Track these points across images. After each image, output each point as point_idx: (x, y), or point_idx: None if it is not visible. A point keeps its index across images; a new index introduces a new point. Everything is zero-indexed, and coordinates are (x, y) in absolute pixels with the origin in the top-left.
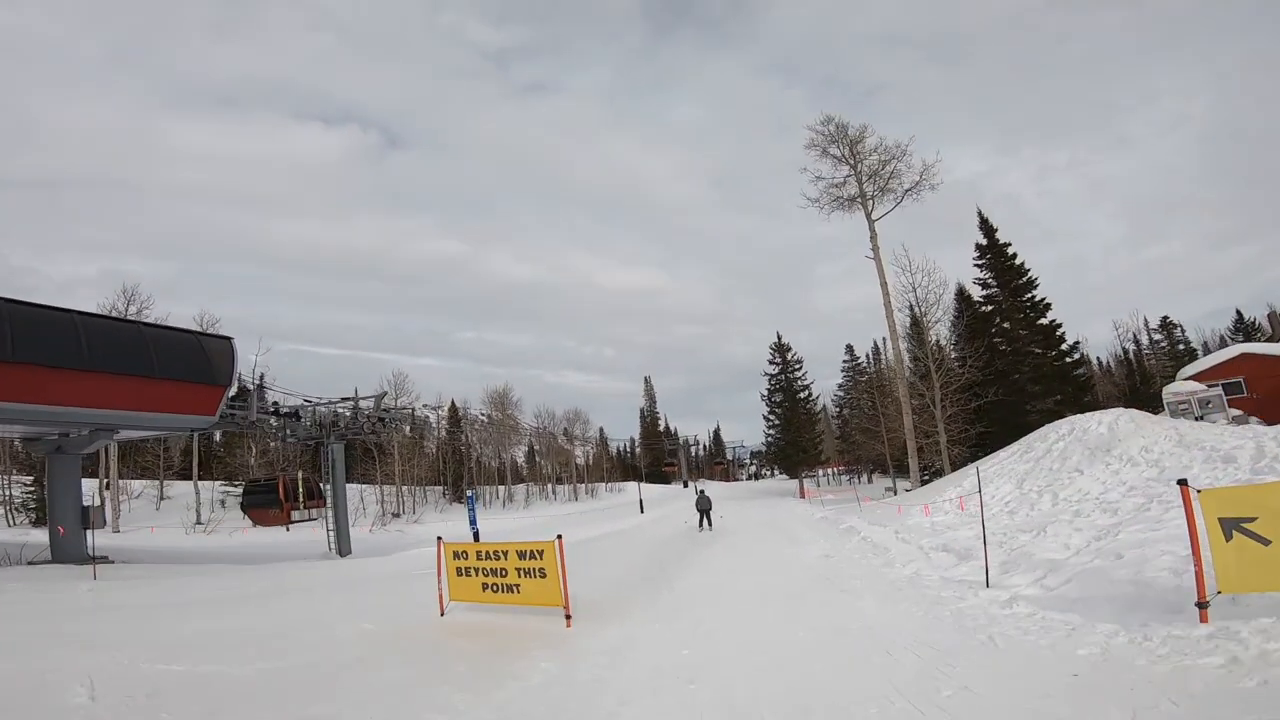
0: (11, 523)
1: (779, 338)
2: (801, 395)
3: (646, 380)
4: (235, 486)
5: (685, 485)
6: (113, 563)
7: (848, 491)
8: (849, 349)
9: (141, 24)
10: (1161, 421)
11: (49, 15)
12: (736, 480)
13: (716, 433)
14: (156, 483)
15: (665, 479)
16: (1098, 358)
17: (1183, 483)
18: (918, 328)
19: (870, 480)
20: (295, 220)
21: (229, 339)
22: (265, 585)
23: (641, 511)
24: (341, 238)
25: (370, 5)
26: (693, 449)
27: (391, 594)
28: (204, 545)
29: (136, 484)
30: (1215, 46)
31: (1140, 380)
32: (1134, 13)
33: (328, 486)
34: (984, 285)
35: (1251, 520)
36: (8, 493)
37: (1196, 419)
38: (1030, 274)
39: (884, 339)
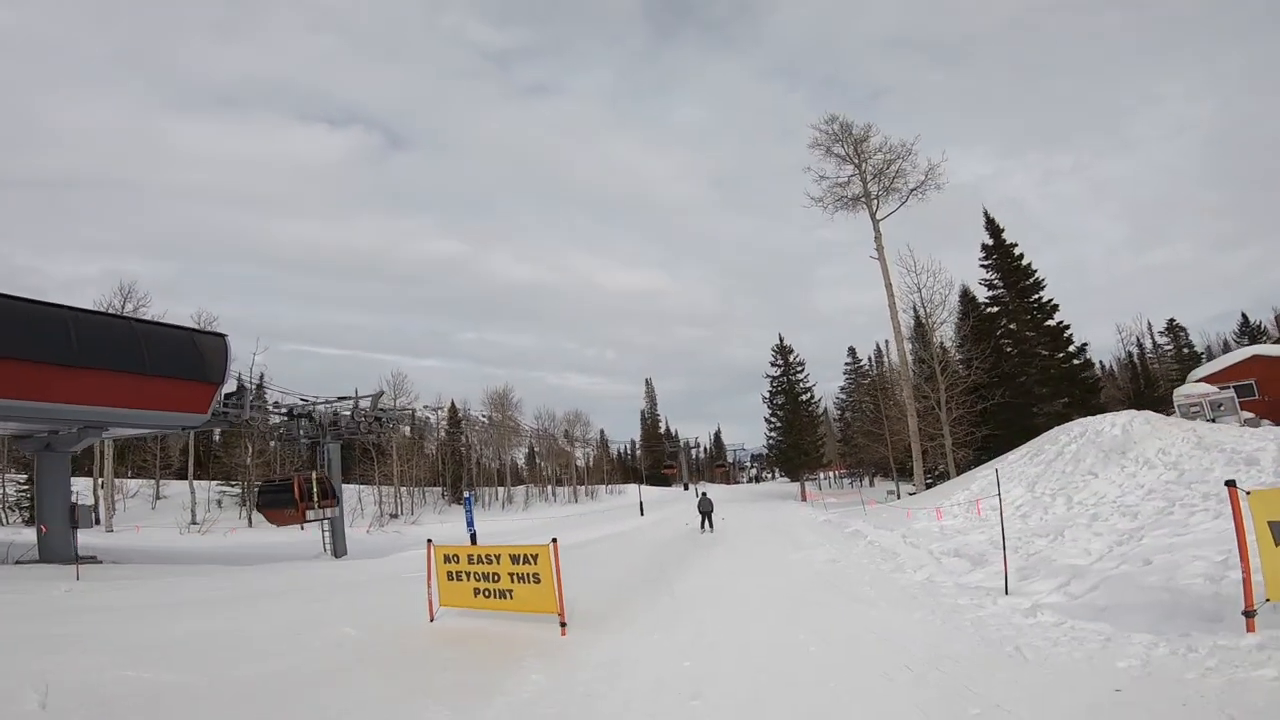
0: (4, 521)
1: (781, 339)
2: (804, 397)
3: (648, 382)
4: (232, 486)
5: (686, 488)
6: (101, 563)
7: (850, 495)
8: (851, 351)
9: (144, 24)
10: (1178, 423)
11: (51, 15)
12: (737, 483)
13: (717, 435)
14: (152, 482)
15: (666, 481)
16: (1100, 361)
17: (1230, 484)
18: (922, 329)
19: (872, 484)
20: (296, 220)
21: (223, 336)
22: (253, 587)
23: (642, 514)
24: (343, 238)
25: (372, 6)
26: (693, 451)
27: (381, 597)
28: (198, 545)
29: (133, 483)
30: (1219, 50)
31: (1145, 384)
32: (1136, 15)
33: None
34: (990, 286)
35: None
36: (2, 490)
37: (1208, 421)
38: (1037, 275)
39: (887, 341)
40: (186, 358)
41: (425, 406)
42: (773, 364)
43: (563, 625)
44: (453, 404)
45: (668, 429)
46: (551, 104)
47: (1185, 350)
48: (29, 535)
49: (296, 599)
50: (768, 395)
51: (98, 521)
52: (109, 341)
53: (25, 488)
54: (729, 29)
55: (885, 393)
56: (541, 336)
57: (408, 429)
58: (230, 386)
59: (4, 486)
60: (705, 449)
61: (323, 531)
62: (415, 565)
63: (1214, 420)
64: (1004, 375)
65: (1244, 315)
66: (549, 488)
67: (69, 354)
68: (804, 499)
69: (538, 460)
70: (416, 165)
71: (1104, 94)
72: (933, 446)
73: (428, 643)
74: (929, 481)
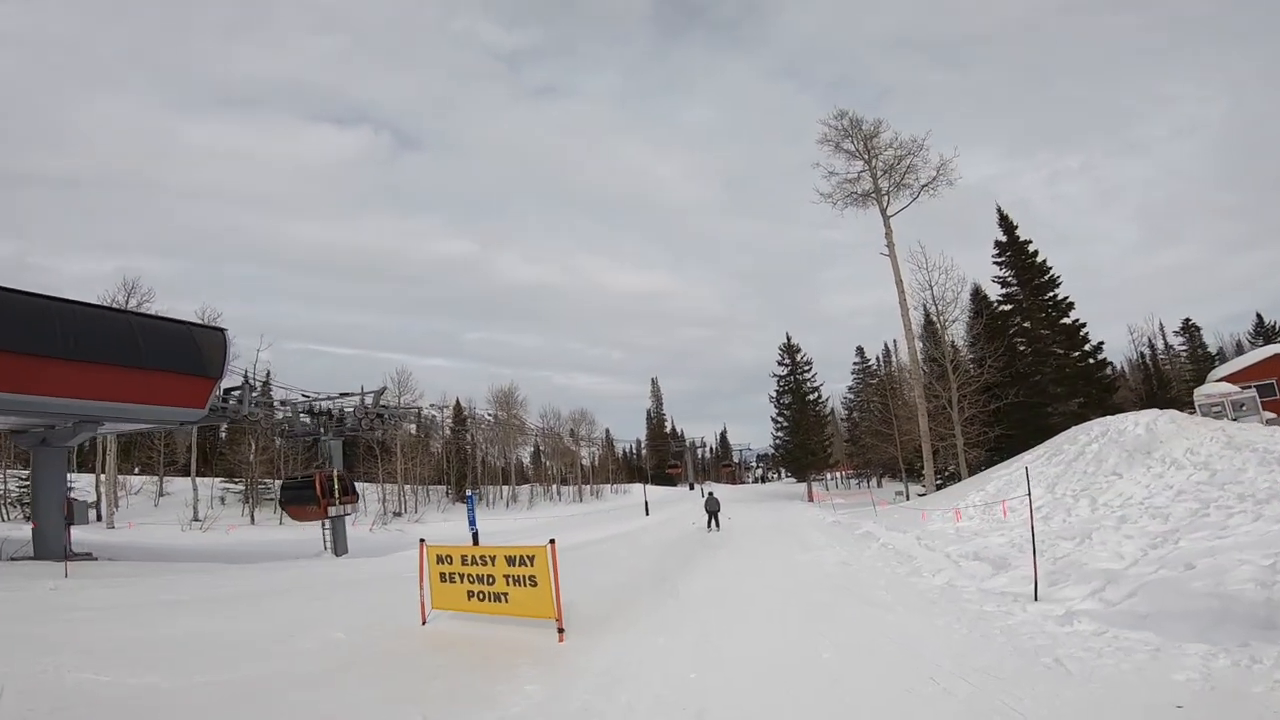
0: (5, 518)
1: (788, 338)
2: (811, 397)
3: (653, 382)
4: (236, 484)
5: (691, 488)
6: (96, 560)
7: (857, 495)
8: (859, 350)
9: (154, 24)
10: (1205, 422)
11: (63, 15)
12: (743, 483)
13: (723, 435)
14: (156, 479)
15: (671, 481)
16: (1111, 363)
17: None
18: (933, 327)
19: (879, 484)
20: (306, 221)
21: (222, 330)
22: (247, 586)
23: (647, 514)
24: (351, 238)
25: (383, 7)
26: (699, 451)
27: (376, 598)
28: (199, 543)
29: (136, 479)
30: (1230, 50)
31: (1158, 385)
32: (1146, 17)
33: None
34: (1003, 284)
35: None
36: (3, 486)
37: (1231, 421)
38: (1052, 272)
39: (895, 341)
40: (184, 352)
41: (431, 405)
42: (779, 363)
43: (560, 631)
44: (458, 402)
45: (674, 429)
46: (560, 105)
47: (1200, 351)
48: (28, 531)
49: (290, 599)
50: (774, 395)
51: (100, 518)
52: (105, 335)
53: (27, 483)
54: (737, 30)
55: (894, 392)
56: (548, 336)
57: (413, 427)
58: (230, 381)
59: (5, 482)
60: (711, 449)
61: (324, 530)
62: (415, 565)
63: (1236, 420)
64: (1017, 374)
65: (1259, 316)
66: (554, 487)
67: (63, 347)
68: (811, 499)
69: (543, 459)
70: (425, 166)
71: (1113, 95)
72: (944, 447)
73: (419, 647)
74: (939, 482)
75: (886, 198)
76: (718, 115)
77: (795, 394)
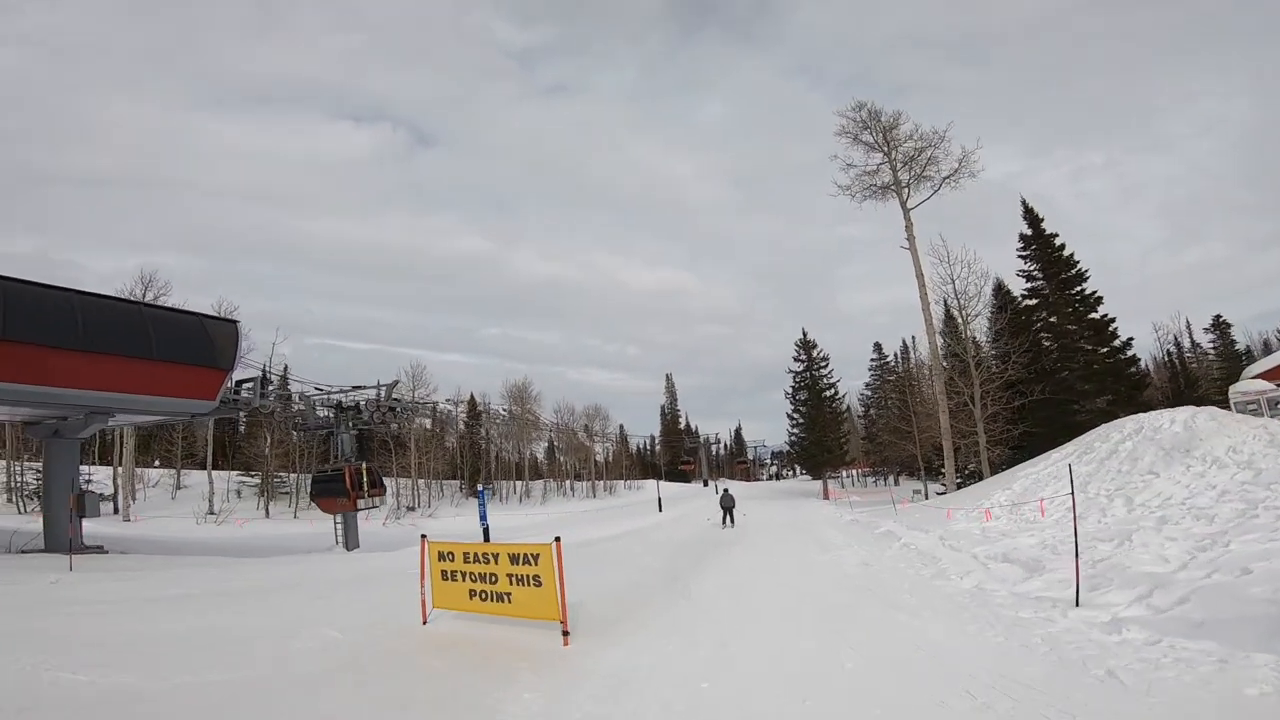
0: (22, 510)
1: (804, 334)
2: (827, 394)
3: (668, 378)
4: (252, 477)
5: (705, 484)
6: (107, 553)
7: (875, 494)
8: (877, 347)
9: (177, 25)
10: (1246, 420)
11: (88, 16)
12: (757, 480)
13: (738, 432)
14: (174, 471)
15: (685, 478)
16: (1140, 359)
17: None
18: (954, 322)
19: (897, 482)
20: (327, 218)
21: (234, 322)
22: (253, 581)
23: (660, 510)
24: (371, 235)
25: (398, 5)
26: (714, 447)
27: (380, 595)
28: (212, 536)
29: (154, 472)
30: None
31: (1185, 383)
32: (1168, 14)
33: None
34: (1029, 277)
35: None
36: (20, 479)
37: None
38: (1080, 266)
39: (913, 337)
40: (196, 343)
41: (447, 400)
42: (795, 359)
43: (565, 634)
44: (472, 397)
45: (688, 425)
46: (574, 103)
47: (1230, 348)
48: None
49: (293, 595)
50: (790, 391)
51: (116, 510)
52: (116, 326)
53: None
54: (750, 27)
55: (913, 389)
56: (564, 332)
57: (428, 421)
58: (243, 374)
59: (22, 474)
60: (726, 445)
61: (335, 524)
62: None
63: (1274, 418)
64: (1043, 370)
65: None
66: (567, 482)
67: (74, 337)
68: (827, 497)
69: (557, 455)
70: (442, 163)
71: (1136, 92)
72: (965, 444)
73: (417, 649)
74: (959, 481)
75: (907, 190)
76: (731, 113)
77: (811, 390)
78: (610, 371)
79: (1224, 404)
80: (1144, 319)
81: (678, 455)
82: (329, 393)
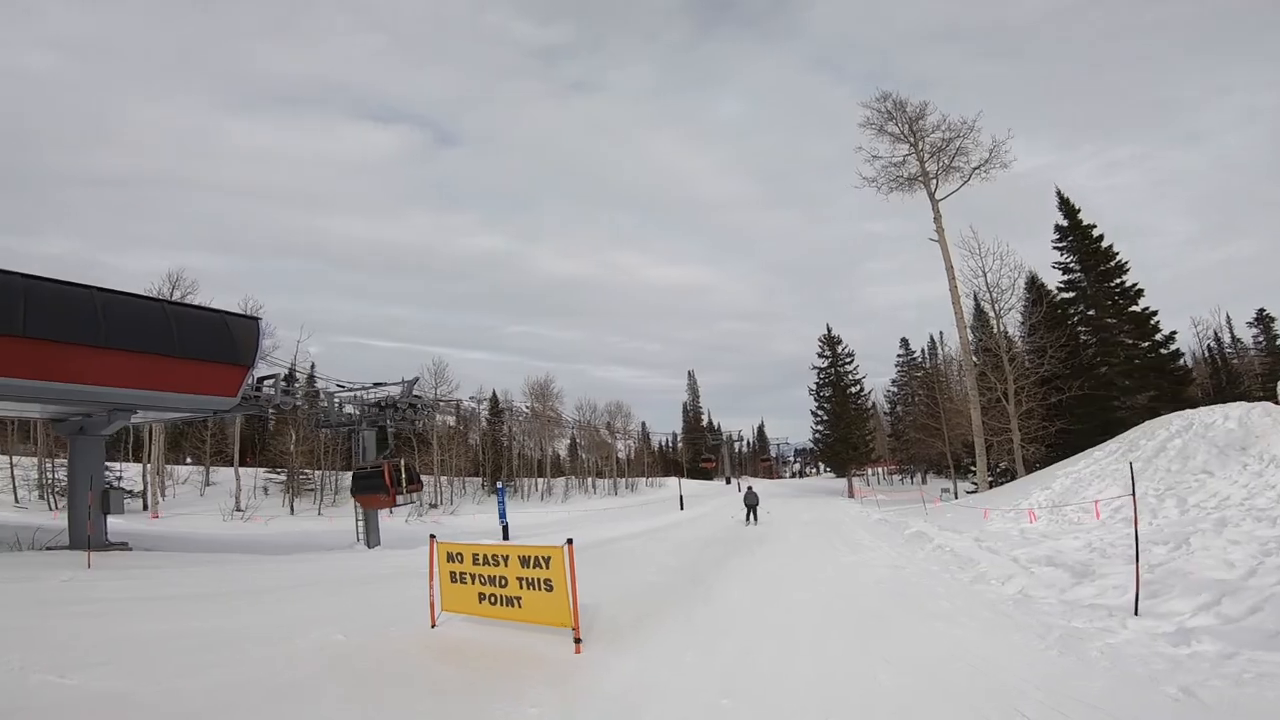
0: (53, 506)
1: (828, 329)
2: (852, 390)
3: (690, 374)
4: (278, 474)
5: (728, 481)
6: (130, 550)
7: (901, 492)
8: (903, 342)
9: (203, 29)
10: None
11: (117, 20)
12: (780, 478)
13: (760, 429)
14: (202, 468)
15: (707, 475)
16: (1184, 353)
17: None
18: (985, 316)
19: (924, 480)
20: (354, 217)
21: (256, 319)
22: (269, 580)
23: (681, 508)
24: (397, 234)
25: (417, 6)
26: (736, 445)
27: (393, 595)
28: (238, 533)
29: (183, 469)
30: None
31: (1226, 379)
32: (1197, 6)
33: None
34: (1065, 269)
35: None
36: (52, 476)
37: None
38: (1119, 257)
39: (941, 333)
40: (217, 340)
41: (471, 398)
42: (820, 355)
43: (577, 641)
44: (494, 394)
45: (710, 422)
46: (594, 100)
47: (1276, 343)
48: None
49: (306, 594)
50: (814, 387)
51: (145, 507)
52: (138, 322)
53: None
54: (768, 23)
55: (941, 385)
56: (586, 330)
57: (451, 419)
58: (269, 371)
59: (54, 471)
60: (748, 442)
61: (357, 521)
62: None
63: None
64: (1080, 366)
65: None
66: (589, 480)
67: (96, 334)
68: (852, 495)
69: (579, 452)
70: (464, 162)
71: (1166, 85)
72: (998, 442)
73: (420, 655)
74: (992, 479)
75: (934, 181)
76: (751, 109)
77: (836, 386)
78: (632, 368)
79: (1271, 400)
80: (1178, 314)
81: (700, 452)
82: (350, 389)
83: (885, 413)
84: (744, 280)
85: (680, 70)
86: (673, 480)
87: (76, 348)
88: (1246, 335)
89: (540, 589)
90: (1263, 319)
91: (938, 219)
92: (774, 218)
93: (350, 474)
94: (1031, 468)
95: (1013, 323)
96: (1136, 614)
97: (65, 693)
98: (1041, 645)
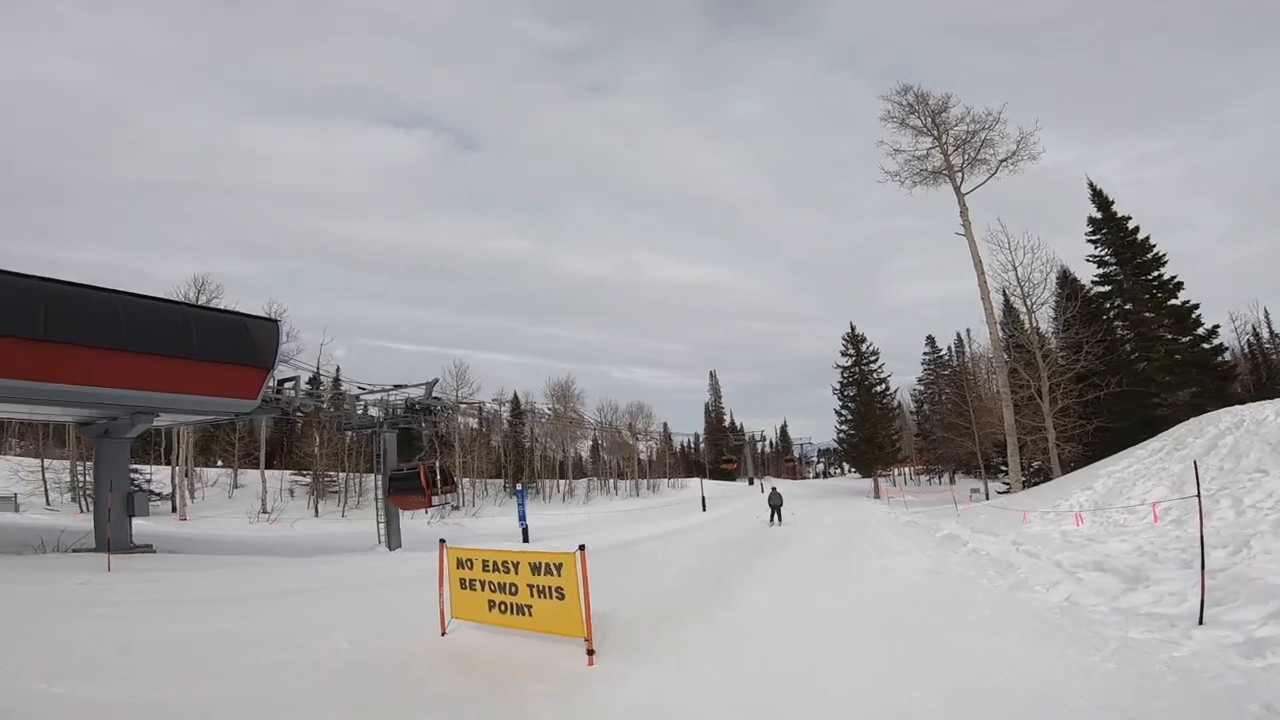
0: (84, 509)
1: (852, 328)
2: (877, 389)
3: (712, 375)
4: (304, 476)
5: (751, 483)
6: (155, 552)
7: (930, 493)
8: (929, 340)
9: (227, 37)
10: None
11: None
12: (804, 478)
13: (783, 429)
14: (231, 471)
15: (730, 476)
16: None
17: None
18: (1014, 312)
19: (952, 481)
20: (377, 221)
21: (275, 321)
22: (285, 583)
23: (704, 509)
24: (418, 237)
25: (435, 11)
26: (759, 445)
27: (407, 599)
28: (263, 535)
29: (212, 472)
30: None
31: (1266, 375)
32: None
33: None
34: (1100, 263)
35: None
36: (84, 478)
37: None
38: (1156, 249)
39: (968, 330)
40: (237, 342)
41: (494, 399)
42: (843, 354)
43: (590, 652)
44: (515, 396)
45: (732, 422)
46: (611, 101)
47: None
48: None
49: (319, 598)
50: (838, 386)
51: (174, 509)
52: (158, 325)
53: None
54: (786, 20)
55: (970, 383)
56: (607, 331)
57: (473, 421)
58: (286, 372)
59: (85, 474)
60: (771, 443)
61: (377, 523)
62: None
63: None
64: (1117, 362)
65: None
66: (610, 481)
67: (116, 337)
68: (878, 496)
69: (602, 454)
70: (485, 165)
71: (1197, 77)
72: (1031, 441)
73: (426, 664)
74: (1024, 479)
75: (960, 174)
76: (769, 107)
77: (860, 386)
78: (653, 369)
79: None
80: (1214, 309)
81: (722, 453)
82: (370, 391)
83: (911, 412)
84: (765, 279)
85: (697, 70)
86: (694, 481)
87: (96, 351)
88: None
89: (551, 597)
90: None
91: (964, 213)
92: (794, 216)
93: (373, 476)
94: (1067, 467)
95: (1044, 318)
96: (1201, 623)
97: (49, 700)
98: (1098, 658)
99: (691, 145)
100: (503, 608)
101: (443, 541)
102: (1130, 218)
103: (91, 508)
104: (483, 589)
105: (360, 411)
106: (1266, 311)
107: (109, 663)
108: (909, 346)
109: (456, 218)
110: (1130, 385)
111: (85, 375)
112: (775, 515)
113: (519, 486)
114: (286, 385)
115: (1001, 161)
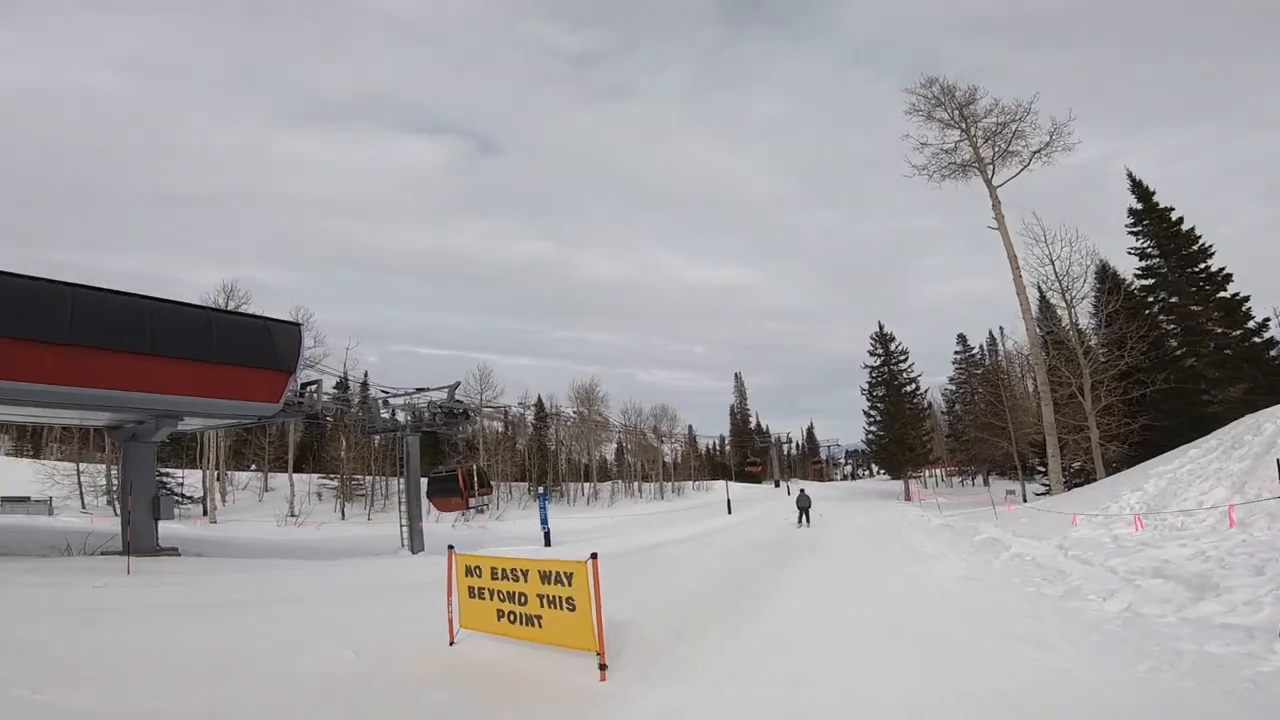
0: (117, 512)
1: (880, 327)
2: (907, 389)
3: (737, 376)
4: (331, 479)
5: (777, 485)
6: (179, 555)
7: (963, 495)
8: (961, 339)
9: (255, 47)
10: None
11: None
12: (831, 480)
13: (810, 431)
14: (261, 474)
15: (755, 479)
16: None
17: None
18: (1051, 308)
19: (986, 482)
20: (402, 227)
21: (297, 324)
22: (302, 587)
23: (729, 512)
24: (442, 242)
25: (454, 17)
26: (785, 447)
27: (420, 606)
28: (289, 538)
29: (243, 475)
30: None
31: None
32: None
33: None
34: (1142, 255)
35: None
36: (115, 481)
37: None
38: (1202, 240)
39: (1001, 327)
40: (258, 345)
41: (520, 403)
42: (871, 353)
43: (602, 667)
44: (539, 399)
45: (758, 424)
46: (630, 104)
47: None
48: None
49: (331, 603)
50: (866, 387)
51: (205, 513)
52: (181, 329)
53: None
54: (800, 20)
55: (1005, 381)
56: (630, 333)
57: (499, 425)
58: (311, 376)
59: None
60: (797, 445)
61: (400, 526)
62: None
63: None
64: (1163, 358)
65: None
66: (635, 484)
67: (139, 341)
68: (908, 498)
69: (627, 457)
70: (507, 169)
71: (1232, 68)
72: (1072, 440)
73: (430, 677)
74: (1066, 481)
75: (991, 167)
76: (788, 108)
77: (890, 386)
78: (677, 371)
79: None
80: (1257, 304)
81: (747, 456)
82: (394, 394)
83: (943, 412)
84: (788, 280)
85: (714, 71)
86: (720, 484)
87: (119, 354)
88: None
89: (562, 608)
90: None
91: (996, 205)
92: (816, 216)
93: (398, 480)
94: (1111, 468)
95: (1083, 313)
96: None
97: (31, 709)
98: (1172, 675)
99: (710, 147)
100: (512, 618)
101: (451, 548)
102: (1173, 208)
103: (118, 511)
104: (491, 598)
105: (387, 415)
106: None
107: (104, 670)
108: (937, 346)
109: (480, 222)
110: (1178, 382)
111: (109, 379)
112: (804, 517)
113: (541, 490)
114: (309, 389)
115: (1035, 153)
